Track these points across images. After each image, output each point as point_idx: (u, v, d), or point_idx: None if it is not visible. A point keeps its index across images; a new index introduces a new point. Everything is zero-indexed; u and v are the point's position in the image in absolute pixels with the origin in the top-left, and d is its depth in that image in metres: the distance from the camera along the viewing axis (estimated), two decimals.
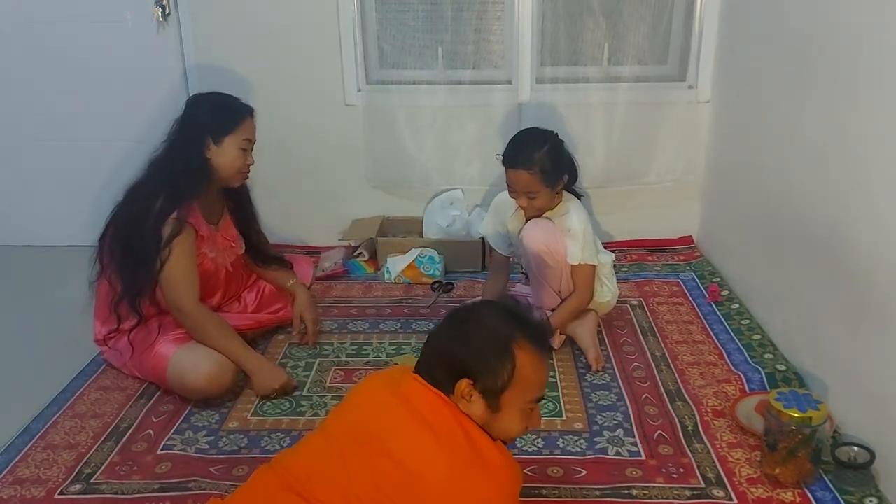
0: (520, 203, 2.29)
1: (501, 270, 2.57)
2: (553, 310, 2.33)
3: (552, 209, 2.32)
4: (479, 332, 1.38)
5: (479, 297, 2.41)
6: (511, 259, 2.55)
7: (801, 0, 2.21)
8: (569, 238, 2.27)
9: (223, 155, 2.15)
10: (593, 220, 3.09)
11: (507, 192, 2.37)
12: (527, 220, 2.34)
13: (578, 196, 2.42)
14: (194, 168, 2.12)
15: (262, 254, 2.49)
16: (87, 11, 3.00)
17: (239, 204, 2.38)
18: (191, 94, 2.21)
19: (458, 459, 1.30)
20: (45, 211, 3.28)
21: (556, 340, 2.33)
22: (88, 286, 2.19)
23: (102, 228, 2.15)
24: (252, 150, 2.23)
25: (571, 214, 2.30)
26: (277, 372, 2.18)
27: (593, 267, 2.32)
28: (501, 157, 2.27)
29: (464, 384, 1.35)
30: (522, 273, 2.50)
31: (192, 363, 2.06)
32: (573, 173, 2.34)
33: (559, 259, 2.28)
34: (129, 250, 2.09)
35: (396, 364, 2.30)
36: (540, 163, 2.20)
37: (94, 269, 2.17)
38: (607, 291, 2.42)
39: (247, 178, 2.27)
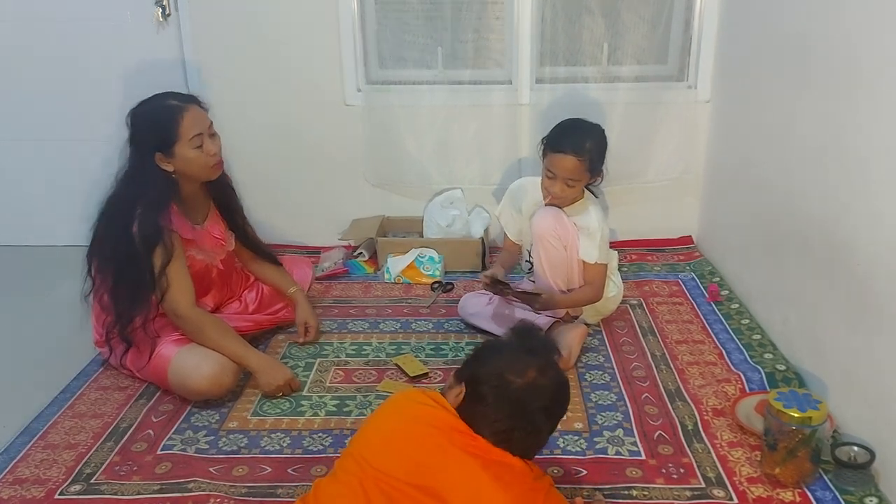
0: (553, 190, 2.27)
1: (512, 254, 2.57)
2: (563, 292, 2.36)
3: (572, 204, 2.33)
4: (565, 398, 1.51)
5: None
6: (521, 248, 2.56)
7: (801, 0, 2.21)
8: (585, 236, 2.29)
9: (179, 161, 2.09)
10: None
11: (526, 178, 2.39)
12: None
13: (594, 195, 2.43)
14: (158, 182, 2.08)
15: (253, 246, 2.47)
16: (87, 11, 3.00)
17: (222, 197, 2.34)
18: (136, 105, 2.13)
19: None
20: (45, 211, 3.28)
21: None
22: (83, 298, 2.18)
23: (88, 246, 2.13)
24: (210, 135, 2.13)
25: (591, 213, 2.32)
26: (281, 369, 2.18)
27: (606, 266, 2.35)
28: (544, 140, 2.28)
29: None
30: (528, 262, 2.50)
31: (193, 364, 2.06)
32: (602, 175, 2.36)
33: (568, 246, 2.29)
34: (122, 280, 2.09)
35: (396, 364, 2.30)
36: (589, 152, 2.22)
37: (85, 283, 2.15)
38: (613, 286, 2.46)
39: (220, 167, 2.19)
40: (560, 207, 2.33)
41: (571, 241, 2.29)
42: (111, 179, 2.12)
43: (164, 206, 2.08)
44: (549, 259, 2.31)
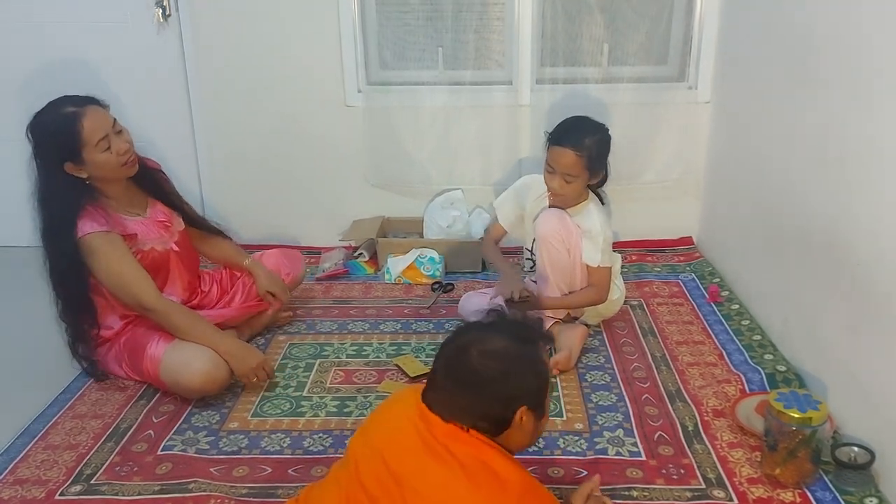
0: (552, 185, 2.27)
1: (498, 243, 2.57)
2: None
3: (575, 206, 2.32)
4: (510, 365, 1.37)
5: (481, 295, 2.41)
6: (505, 235, 2.56)
7: (801, 0, 2.22)
8: (588, 239, 2.28)
9: (91, 167, 2.05)
10: None
11: (532, 176, 2.39)
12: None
13: (602, 200, 2.41)
14: (72, 192, 2.05)
15: (197, 224, 2.42)
16: (88, 12, 3.01)
17: (151, 185, 2.28)
18: (33, 117, 2.08)
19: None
20: None
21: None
22: (57, 318, 2.17)
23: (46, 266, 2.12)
24: (117, 133, 2.07)
25: (593, 216, 2.30)
26: (253, 352, 2.18)
27: (610, 269, 2.34)
28: (548, 134, 2.28)
29: (521, 413, 1.37)
30: (530, 261, 2.50)
31: (184, 362, 2.06)
32: (606, 176, 2.35)
33: (572, 249, 2.28)
34: (67, 301, 2.11)
35: (396, 364, 2.30)
36: (588, 148, 2.21)
37: (58, 304, 2.15)
38: (616, 290, 2.43)
39: (134, 164, 2.13)
40: (563, 209, 2.33)
41: (575, 245, 2.29)
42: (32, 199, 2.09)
43: (77, 216, 2.04)
44: (552, 262, 2.31)
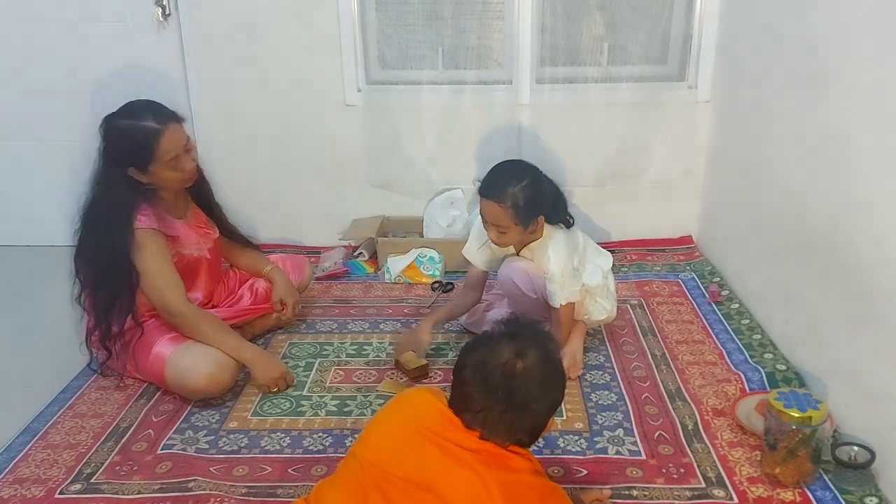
0: (490, 235, 2.18)
1: (476, 288, 2.40)
2: None
3: (531, 242, 2.22)
4: (556, 378, 1.45)
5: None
6: (488, 276, 2.44)
7: (801, 0, 2.21)
8: (548, 281, 2.18)
9: (153, 177, 2.09)
10: (591, 222, 3.10)
11: None
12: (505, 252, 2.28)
13: (568, 223, 2.26)
14: (130, 188, 2.08)
15: (232, 234, 2.46)
16: (88, 11, 3.00)
17: (198, 194, 2.33)
18: (111, 118, 2.08)
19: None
20: (46, 211, 3.27)
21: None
22: (73, 300, 2.17)
23: (74, 247, 2.13)
24: (187, 151, 2.12)
25: (549, 254, 2.17)
26: (276, 362, 2.20)
27: (573, 305, 2.23)
28: (477, 183, 2.18)
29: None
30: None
31: (191, 363, 2.06)
32: (559, 206, 2.22)
33: (538, 290, 2.21)
34: (101, 287, 2.10)
35: (397, 361, 2.30)
36: (513, 198, 2.07)
37: (74, 285, 2.15)
38: (601, 309, 2.31)
39: (192, 180, 2.19)
40: (517, 253, 2.25)
41: (540, 286, 2.20)
42: (84, 187, 2.11)
43: (135, 210, 2.06)
44: (524, 310, 2.22)
